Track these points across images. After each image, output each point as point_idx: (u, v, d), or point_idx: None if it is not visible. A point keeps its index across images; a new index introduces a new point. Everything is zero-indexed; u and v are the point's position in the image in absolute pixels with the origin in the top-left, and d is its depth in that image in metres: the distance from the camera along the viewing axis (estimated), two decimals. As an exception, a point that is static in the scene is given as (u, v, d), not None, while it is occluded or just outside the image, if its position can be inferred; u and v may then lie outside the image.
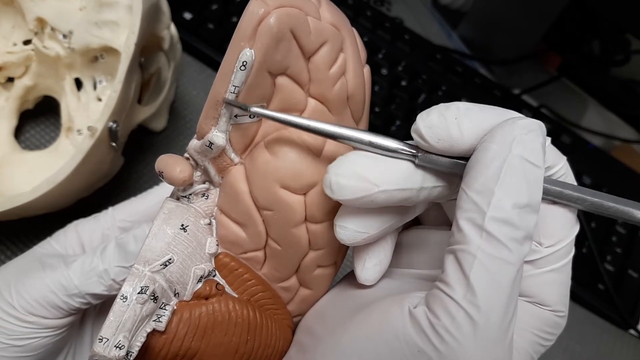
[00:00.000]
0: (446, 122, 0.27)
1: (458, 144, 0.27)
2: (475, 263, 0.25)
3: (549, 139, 0.28)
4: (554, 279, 0.28)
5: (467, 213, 0.26)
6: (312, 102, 0.32)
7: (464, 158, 0.28)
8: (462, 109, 0.27)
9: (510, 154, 0.25)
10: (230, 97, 0.29)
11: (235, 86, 0.29)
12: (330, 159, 0.31)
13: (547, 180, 0.28)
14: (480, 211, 0.25)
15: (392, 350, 0.27)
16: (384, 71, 0.76)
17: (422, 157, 0.28)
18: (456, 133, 0.27)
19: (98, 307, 0.41)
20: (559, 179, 0.29)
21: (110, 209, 0.42)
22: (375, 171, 0.28)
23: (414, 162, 0.29)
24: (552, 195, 0.28)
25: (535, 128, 0.26)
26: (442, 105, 0.27)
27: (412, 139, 0.28)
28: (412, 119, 0.27)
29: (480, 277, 0.25)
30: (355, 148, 0.29)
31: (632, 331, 0.68)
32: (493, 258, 0.25)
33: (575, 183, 0.29)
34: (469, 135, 0.27)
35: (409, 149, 0.28)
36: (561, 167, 0.29)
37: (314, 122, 0.29)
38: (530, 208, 0.25)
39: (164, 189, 0.43)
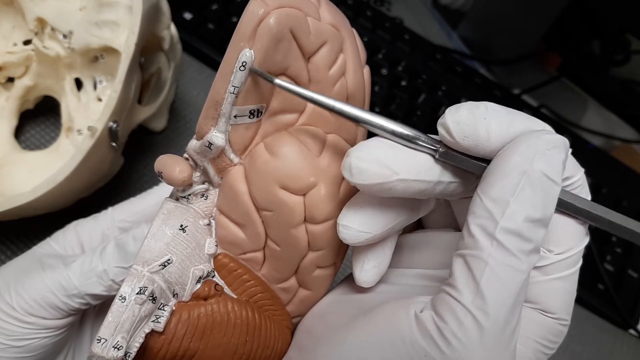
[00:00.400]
0: (475, 120, 0.27)
1: (483, 144, 0.27)
2: (486, 269, 0.25)
3: (570, 149, 0.28)
4: (560, 286, 0.28)
5: (480, 219, 0.26)
6: (311, 103, 0.32)
7: (484, 160, 0.27)
8: (491, 110, 0.27)
9: (530, 168, 0.25)
10: (230, 98, 0.29)
11: (235, 86, 0.28)
12: (331, 160, 0.31)
13: (563, 192, 0.28)
14: (493, 220, 0.25)
15: (399, 354, 0.26)
16: (384, 71, 0.76)
17: (443, 152, 0.28)
18: (483, 133, 0.26)
19: (97, 308, 0.41)
20: (575, 191, 0.29)
21: (110, 209, 0.42)
22: (395, 159, 0.28)
23: (433, 156, 0.28)
24: (565, 207, 0.28)
25: (559, 145, 0.26)
26: (471, 103, 0.27)
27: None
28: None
29: (491, 283, 0.25)
30: (376, 135, 0.29)
31: (632, 331, 0.68)
32: (503, 266, 0.25)
33: (590, 197, 0.29)
34: (494, 138, 0.27)
35: (431, 143, 0.28)
36: (578, 179, 0.29)
37: (339, 103, 0.29)
38: (542, 223, 0.25)
39: (163, 189, 0.43)
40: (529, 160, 0.25)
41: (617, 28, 0.91)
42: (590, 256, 0.68)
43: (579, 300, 0.68)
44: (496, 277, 0.25)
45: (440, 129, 0.28)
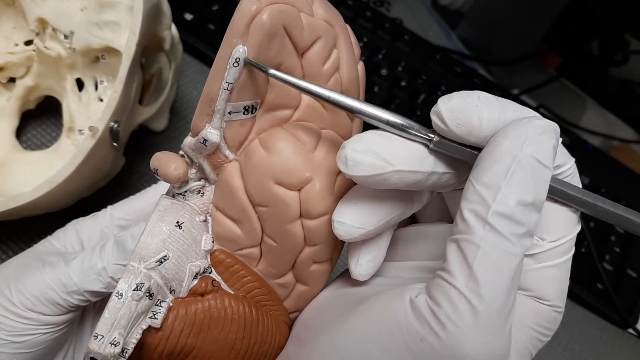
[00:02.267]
0: (468, 108, 0.27)
1: (475, 132, 0.27)
2: (478, 253, 0.25)
3: (560, 139, 0.28)
4: (553, 274, 0.28)
5: (472, 205, 0.26)
6: (305, 98, 0.33)
7: (477, 149, 0.28)
8: (483, 99, 0.27)
9: (521, 152, 0.26)
10: (224, 94, 0.29)
11: (229, 82, 0.29)
12: (325, 155, 0.32)
13: (554, 179, 0.28)
14: (485, 204, 0.26)
15: (395, 339, 0.27)
16: (384, 71, 0.76)
17: (437, 141, 0.28)
18: (476, 120, 0.27)
19: (97, 305, 0.41)
20: (565, 179, 0.29)
21: (109, 208, 0.43)
22: (390, 150, 0.28)
23: (427, 147, 0.29)
24: (557, 194, 0.28)
25: (549, 129, 0.27)
26: (464, 92, 0.28)
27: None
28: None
29: (484, 266, 0.25)
30: (371, 125, 0.29)
31: (631, 330, 0.68)
32: (496, 249, 0.25)
33: (580, 185, 0.30)
34: (487, 125, 0.27)
35: (424, 132, 0.28)
36: (568, 168, 0.29)
37: (334, 93, 0.29)
38: (534, 207, 0.26)
39: (162, 188, 0.43)
40: (519, 145, 0.26)
41: (616, 28, 0.91)
42: (589, 256, 0.69)
43: (578, 300, 0.68)
44: (489, 260, 0.25)
45: (433, 117, 0.28)
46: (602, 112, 0.95)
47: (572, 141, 0.80)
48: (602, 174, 0.77)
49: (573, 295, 0.67)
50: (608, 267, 0.69)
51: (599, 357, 0.65)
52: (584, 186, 0.30)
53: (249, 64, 0.29)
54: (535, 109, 0.82)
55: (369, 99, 0.70)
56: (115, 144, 0.47)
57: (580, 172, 0.30)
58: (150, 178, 0.59)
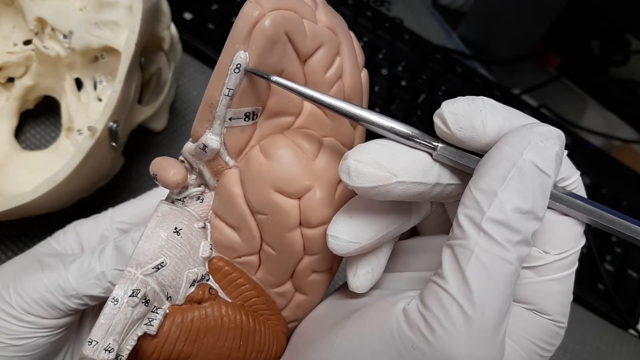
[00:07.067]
0: (471, 112, 0.26)
1: (478, 136, 0.27)
2: (472, 258, 0.25)
3: (566, 152, 0.28)
4: (555, 288, 0.28)
5: (468, 210, 0.26)
6: (307, 105, 0.32)
7: (480, 156, 0.27)
8: (488, 104, 0.27)
9: (520, 158, 0.25)
10: (225, 100, 0.29)
11: (230, 89, 0.28)
12: (326, 163, 0.31)
13: (560, 189, 0.28)
14: (480, 210, 0.25)
15: (387, 347, 0.26)
16: (384, 71, 0.76)
17: (441, 149, 0.28)
18: (479, 125, 0.26)
19: (96, 308, 0.41)
20: None
21: (110, 210, 0.43)
22: (394, 161, 0.27)
23: (431, 155, 0.28)
24: (561, 205, 0.27)
25: (552, 136, 0.26)
26: (469, 96, 0.27)
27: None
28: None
29: (476, 272, 0.24)
30: (374, 132, 0.29)
31: (631, 331, 0.68)
32: (490, 255, 0.25)
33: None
34: (490, 131, 0.26)
35: (428, 141, 0.28)
36: (573, 181, 0.29)
37: (335, 99, 0.28)
38: (532, 214, 0.25)
39: (163, 191, 0.43)
40: (519, 150, 0.25)
41: (617, 28, 0.91)
42: (590, 256, 0.68)
43: (579, 300, 0.68)
44: (482, 265, 0.24)
45: (436, 119, 0.28)
46: (603, 112, 0.95)
47: (573, 141, 0.79)
48: (603, 174, 0.77)
49: (574, 295, 0.67)
50: (609, 268, 0.69)
51: (599, 357, 0.65)
52: (585, 187, 0.29)
53: (249, 73, 0.28)
54: (536, 109, 0.82)
55: (370, 99, 0.70)
56: (114, 143, 0.47)
57: (581, 173, 0.29)
58: (150, 178, 0.59)
